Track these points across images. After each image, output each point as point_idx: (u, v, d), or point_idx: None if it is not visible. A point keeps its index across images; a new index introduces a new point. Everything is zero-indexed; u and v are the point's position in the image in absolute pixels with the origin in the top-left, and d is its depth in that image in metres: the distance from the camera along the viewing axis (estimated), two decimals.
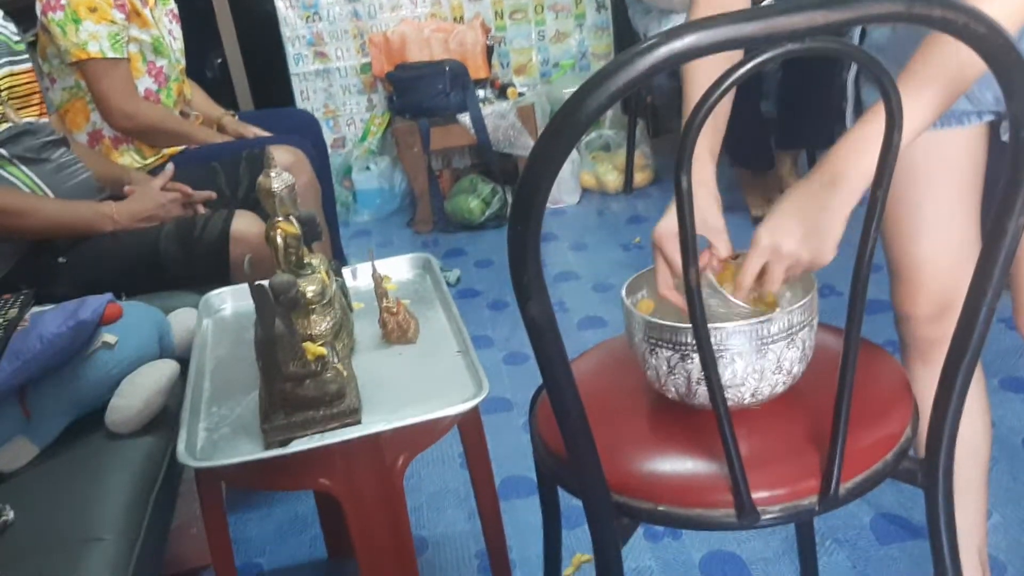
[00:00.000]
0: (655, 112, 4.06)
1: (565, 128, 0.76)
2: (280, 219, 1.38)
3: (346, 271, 1.66)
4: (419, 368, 1.39)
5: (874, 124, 0.99)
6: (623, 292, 1.14)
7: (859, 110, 1.32)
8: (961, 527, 1.15)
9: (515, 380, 2.39)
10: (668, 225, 1.15)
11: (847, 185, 1.00)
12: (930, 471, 1.05)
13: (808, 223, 1.02)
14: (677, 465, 1.06)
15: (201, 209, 2.12)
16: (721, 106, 1.19)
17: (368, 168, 3.81)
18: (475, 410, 1.52)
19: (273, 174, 1.37)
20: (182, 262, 1.93)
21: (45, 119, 2.07)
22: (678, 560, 1.71)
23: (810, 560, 1.61)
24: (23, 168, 1.94)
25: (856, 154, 1.00)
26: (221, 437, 1.28)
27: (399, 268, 1.70)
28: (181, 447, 1.22)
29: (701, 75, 1.16)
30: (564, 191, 3.64)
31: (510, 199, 3.54)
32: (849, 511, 1.76)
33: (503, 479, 1.94)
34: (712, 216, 1.16)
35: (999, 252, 0.92)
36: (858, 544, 1.69)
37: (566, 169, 3.62)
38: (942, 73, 0.99)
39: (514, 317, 2.78)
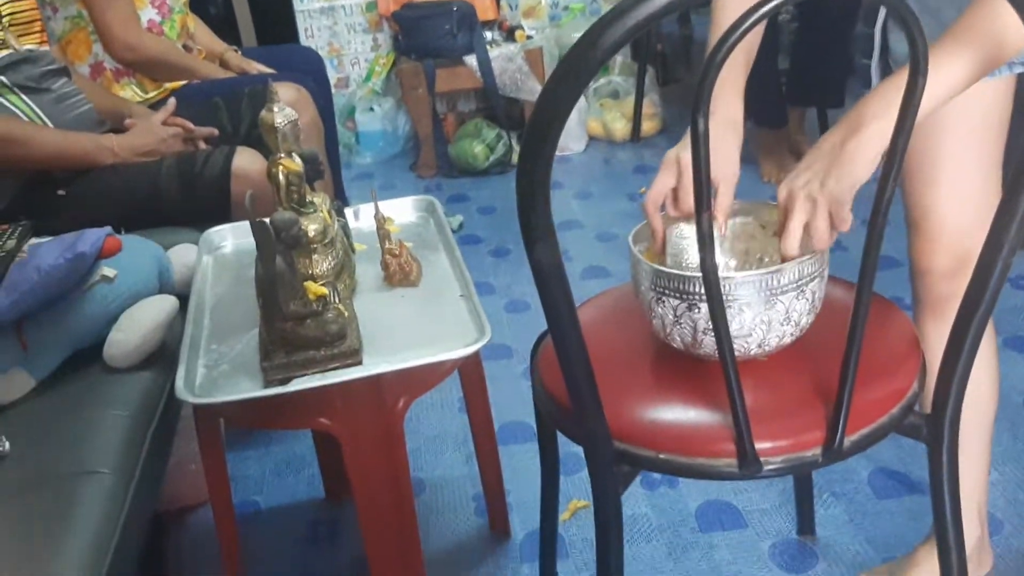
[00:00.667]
0: (664, 60, 4.00)
1: (581, 63, 0.74)
2: (282, 156, 1.35)
3: (348, 211, 1.64)
4: (421, 311, 1.38)
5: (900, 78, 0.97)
6: (630, 239, 1.12)
7: (885, 59, 1.29)
8: (963, 483, 1.15)
9: (516, 327, 2.39)
10: (660, 187, 1.12)
11: (877, 123, 0.97)
12: (936, 426, 1.04)
13: (833, 159, 0.98)
14: (680, 414, 1.05)
15: (202, 145, 2.09)
16: (750, 43, 1.15)
17: (371, 109, 3.75)
18: (476, 355, 1.51)
19: (276, 109, 1.34)
20: (182, 198, 1.91)
21: (46, 47, 2.03)
22: (674, 508, 1.72)
23: (807, 512, 1.62)
24: (23, 97, 1.90)
25: (889, 97, 0.97)
26: (220, 374, 1.27)
27: (402, 210, 1.68)
28: (180, 383, 1.21)
29: (729, 15, 1.13)
30: (570, 138, 3.60)
31: (515, 145, 3.50)
32: (848, 465, 1.76)
33: (501, 425, 1.94)
34: (729, 160, 1.13)
35: (1017, 206, 0.90)
36: (856, 498, 1.69)
37: (573, 116, 3.56)
38: (983, 38, 0.96)
39: (516, 264, 2.76)
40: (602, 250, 2.80)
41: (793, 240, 1.00)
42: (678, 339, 1.06)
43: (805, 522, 1.62)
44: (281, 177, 1.35)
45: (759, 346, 1.04)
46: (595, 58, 0.73)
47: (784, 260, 1.01)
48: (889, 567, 1.49)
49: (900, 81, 0.92)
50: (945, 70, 0.96)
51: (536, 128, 0.78)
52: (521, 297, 2.55)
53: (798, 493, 1.61)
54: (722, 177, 1.12)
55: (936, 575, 1.20)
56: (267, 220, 1.20)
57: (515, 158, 3.49)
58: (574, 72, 0.75)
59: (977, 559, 1.46)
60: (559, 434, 1.40)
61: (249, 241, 1.37)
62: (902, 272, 1.37)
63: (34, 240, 1.52)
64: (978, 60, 0.97)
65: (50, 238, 1.50)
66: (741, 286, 0.99)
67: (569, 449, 1.76)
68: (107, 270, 1.42)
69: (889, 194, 0.86)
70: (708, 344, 1.03)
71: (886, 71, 1.33)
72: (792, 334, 1.04)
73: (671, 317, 1.04)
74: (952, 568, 1.13)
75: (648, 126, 3.67)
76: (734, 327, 1.00)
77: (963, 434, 1.11)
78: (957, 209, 1.26)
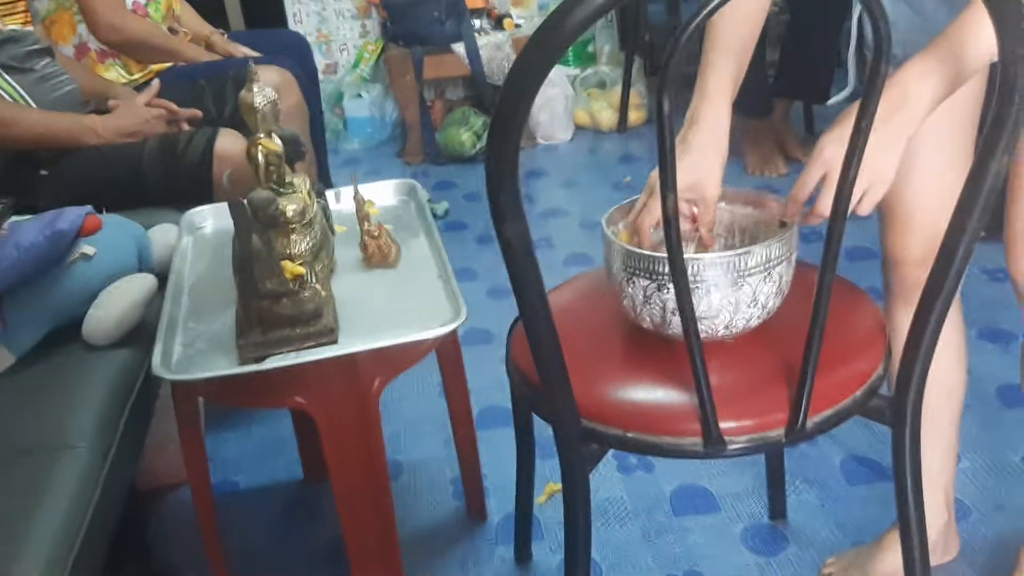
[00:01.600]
0: (652, 50, 4.00)
1: (548, 41, 0.75)
2: (262, 136, 1.36)
3: (329, 194, 1.65)
4: (398, 292, 1.39)
5: (940, 48, 0.99)
6: (603, 221, 1.14)
7: (861, 50, 1.30)
8: (930, 468, 1.17)
9: (498, 313, 2.38)
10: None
11: (910, 109, 0.98)
12: (899, 409, 1.06)
13: (870, 143, 0.96)
14: (648, 394, 1.06)
15: (186, 127, 2.09)
16: (745, 38, 1.15)
17: (359, 96, 3.76)
18: (453, 336, 1.52)
19: (256, 89, 1.35)
20: (165, 179, 1.91)
21: (30, 28, 2.03)
22: (649, 492, 1.74)
23: (779, 497, 1.64)
24: (6, 77, 1.91)
25: (922, 78, 0.98)
26: (197, 352, 1.28)
27: (384, 193, 1.69)
28: (156, 360, 1.22)
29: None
30: (557, 127, 3.61)
31: None
32: (820, 451, 1.78)
33: (481, 409, 1.95)
34: (710, 180, 1.12)
35: (980, 191, 0.92)
36: (827, 483, 1.71)
37: (560, 105, 3.59)
38: (966, 51, 0.98)
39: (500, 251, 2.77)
40: (585, 238, 2.82)
41: (829, 199, 0.99)
42: (647, 319, 1.08)
43: (777, 507, 1.64)
44: (260, 157, 1.35)
45: (726, 327, 1.05)
46: (563, 37, 0.74)
47: (817, 218, 1.02)
48: (857, 551, 1.51)
49: (934, 53, 0.95)
50: (924, 90, 0.99)
51: (505, 106, 0.79)
52: (504, 283, 2.52)
53: (770, 478, 1.63)
54: (700, 199, 1.12)
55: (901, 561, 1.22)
56: (243, 200, 1.21)
57: None
58: (543, 48, 0.76)
59: (943, 544, 1.48)
60: (538, 419, 1.42)
61: (229, 222, 1.38)
62: (875, 264, 1.39)
63: (15, 218, 1.53)
64: (960, 72, 0.99)
65: (31, 216, 1.50)
66: (709, 267, 1.01)
67: (547, 433, 1.77)
68: (87, 248, 1.42)
69: (853, 174, 0.87)
70: (676, 324, 1.04)
71: (861, 61, 1.35)
72: (759, 316, 1.06)
73: (641, 297, 1.06)
74: (913, 548, 1.15)
75: (635, 116, 3.68)
76: (701, 308, 1.02)
77: (931, 421, 1.13)
78: (931, 198, 1.28)
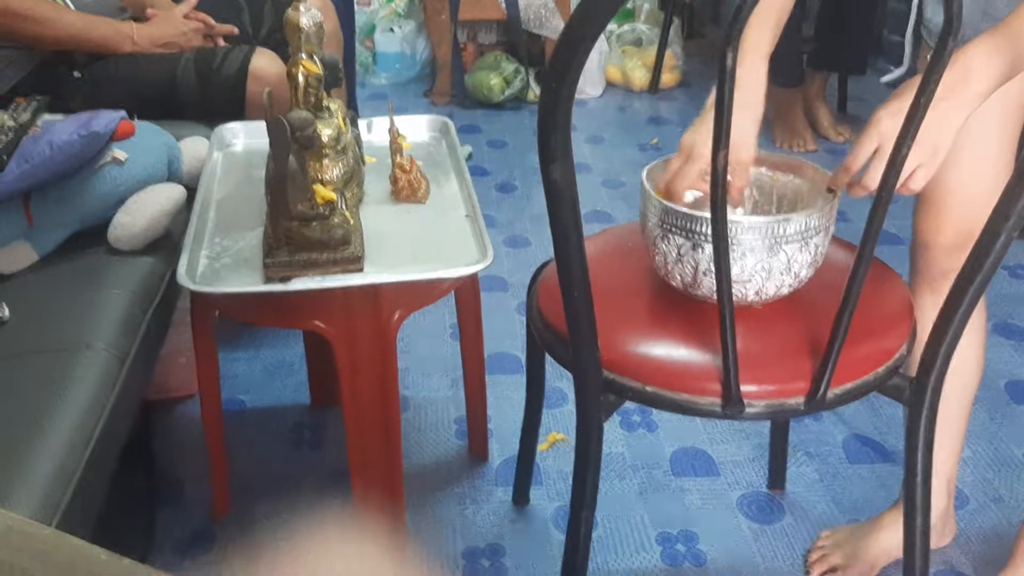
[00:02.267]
0: (691, 13, 3.96)
1: None
2: (303, 57, 1.35)
3: (361, 123, 1.64)
4: (425, 228, 1.39)
5: (1008, 30, 0.98)
6: (644, 174, 1.13)
7: (919, 32, 1.29)
8: (937, 453, 1.17)
9: (514, 262, 2.40)
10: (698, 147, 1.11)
11: (972, 87, 0.98)
12: (919, 389, 1.06)
13: (926, 119, 0.95)
14: (671, 351, 1.07)
15: (222, 43, 2.07)
16: (783, 4, 1.14)
17: (392, 30, 3.72)
18: (475, 279, 1.53)
19: (303, 9, 1.33)
20: (198, 94, 1.90)
21: None
22: (650, 451, 1.75)
23: (780, 468, 1.65)
24: None
25: (987, 57, 0.98)
26: (222, 266, 1.28)
27: (416, 128, 1.68)
28: (181, 270, 1.22)
29: None
30: (588, 82, 3.57)
31: (532, 82, 3.48)
32: (824, 427, 1.79)
33: (490, 355, 1.95)
34: (743, 144, 1.10)
35: None
36: (828, 459, 1.72)
37: (593, 60, 3.54)
38: (1021, 41, 0.97)
39: (521, 200, 2.76)
40: (607, 196, 2.80)
41: (879, 173, 0.98)
42: (678, 278, 1.08)
43: (776, 477, 1.65)
44: (300, 78, 1.35)
45: (756, 293, 1.05)
46: None
47: (863, 189, 1.02)
48: (853, 528, 1.52)
49: (1000, 33, 0.94)
50: (988, 69, 0.98)
51: (565, 45, 0.78)
52: (522, 233, 2.55)
53: (773, 448, 1.64)
54: (735, 160, 1.10)
55: (898, 541, 1.24)
56: (283, 118, 1.20)
57: (531, 95, 3.47)
58: None
59: (940, 529, 1.49)
60: (544, 369, 1.42)
61: (260, 141, 1.38)
62: (902, 250, 1.38)
63: (48, 116, 1.52)
64: (1016, 61, 0.97)
65: (64, 116, 1.50)
66: (747, 231, 1.01)
67: (553, 384, 1.78)
68: (119, 152, 1.42)
69: (906, 151, 0.87)
70: (706, 285, 1.05)
71: (918, 41, 1.33)
72: (791, 285, 1.06)
73: (674, 255, 1.05)
74: (916, 529, 1.16)
75: (667, 78, 3.64)
76: (735, 271, 1.02)
77: (943, 406, 1.13)
78: (969, 184, 1.27)
